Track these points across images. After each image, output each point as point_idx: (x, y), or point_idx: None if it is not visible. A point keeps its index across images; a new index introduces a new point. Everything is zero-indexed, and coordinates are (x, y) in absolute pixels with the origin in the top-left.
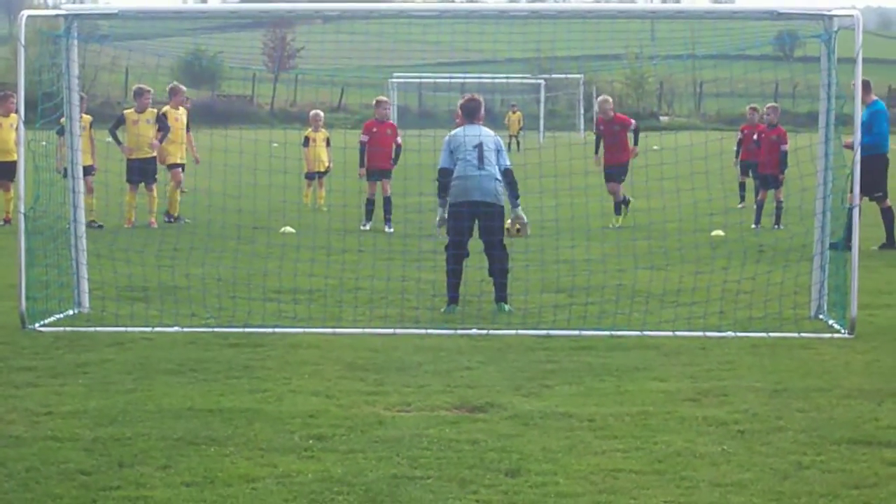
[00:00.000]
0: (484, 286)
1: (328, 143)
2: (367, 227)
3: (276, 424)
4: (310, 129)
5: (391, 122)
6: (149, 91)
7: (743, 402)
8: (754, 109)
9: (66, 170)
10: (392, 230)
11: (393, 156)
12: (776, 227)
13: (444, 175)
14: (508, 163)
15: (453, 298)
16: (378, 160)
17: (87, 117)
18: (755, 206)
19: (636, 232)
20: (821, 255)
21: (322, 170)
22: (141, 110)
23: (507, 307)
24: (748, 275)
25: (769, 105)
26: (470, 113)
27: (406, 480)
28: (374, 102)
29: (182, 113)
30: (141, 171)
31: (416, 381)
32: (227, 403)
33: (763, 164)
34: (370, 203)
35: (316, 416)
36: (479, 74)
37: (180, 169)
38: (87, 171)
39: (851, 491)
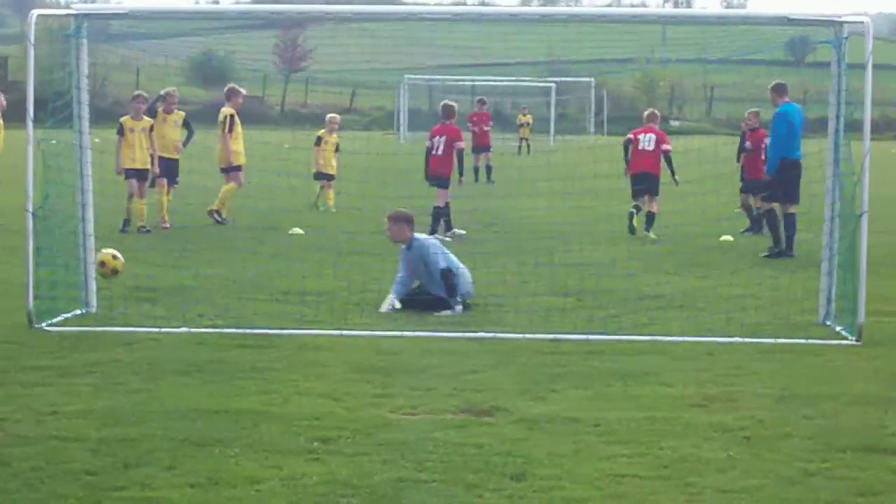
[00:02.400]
0: (492, 290)
1: (337, 149)
2: (453, 235)
3: (283, 426)
4: (324, 131)
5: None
6: (175, 93)
7: (750, 407)
8: (755, 114)
9: (124, 170)
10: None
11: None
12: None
13: None
14: None
15: None
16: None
17: (149, 120)
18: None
19: (645, 236)
20: (829, 261)
21: (331, 172)
22: (169, 111)
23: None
24: (756, 280)
25: (750, 111)
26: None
27: (411, 484)
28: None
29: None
30: (168, 171)
31: (423, 384)
32: (233, 405)
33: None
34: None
35: (322, 418)
36: (491, 77)
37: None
38: (143, 175)
39: (857, 498)
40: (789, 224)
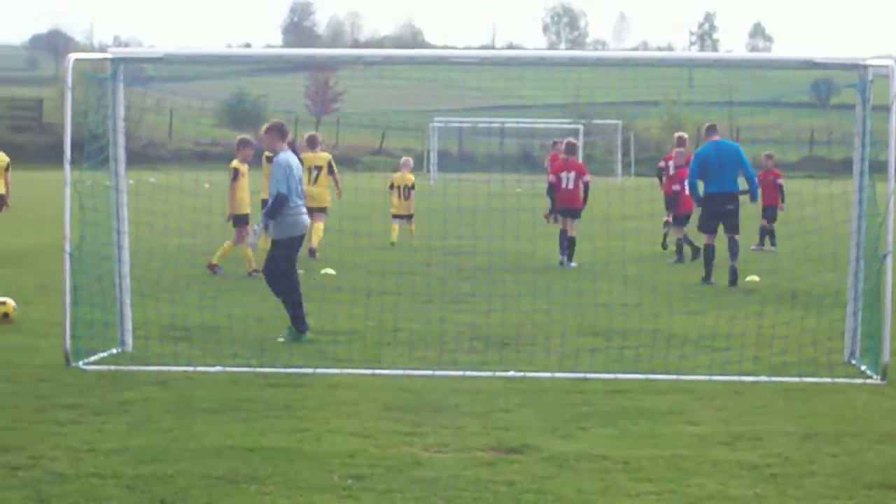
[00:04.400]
0: (521, 329)
1: (412, 188)
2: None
3: (315, 464)
4: (398, 174)
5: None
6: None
7: (775, 445)
8: (769, 156)
9: (233, 217)
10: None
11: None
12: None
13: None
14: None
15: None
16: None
17: (245, 165)
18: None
19: (672, 276)
20: (854, 301)
21: (410, 213)
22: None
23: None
24: (782, 320)
25: (765, 153)
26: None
27: None
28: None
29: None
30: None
31: (454, 422)
32: (266, 442)
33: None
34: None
35: (354, 455)
36: (519, 119)
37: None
38: (244, 219)
39: None
40: (707, 253)
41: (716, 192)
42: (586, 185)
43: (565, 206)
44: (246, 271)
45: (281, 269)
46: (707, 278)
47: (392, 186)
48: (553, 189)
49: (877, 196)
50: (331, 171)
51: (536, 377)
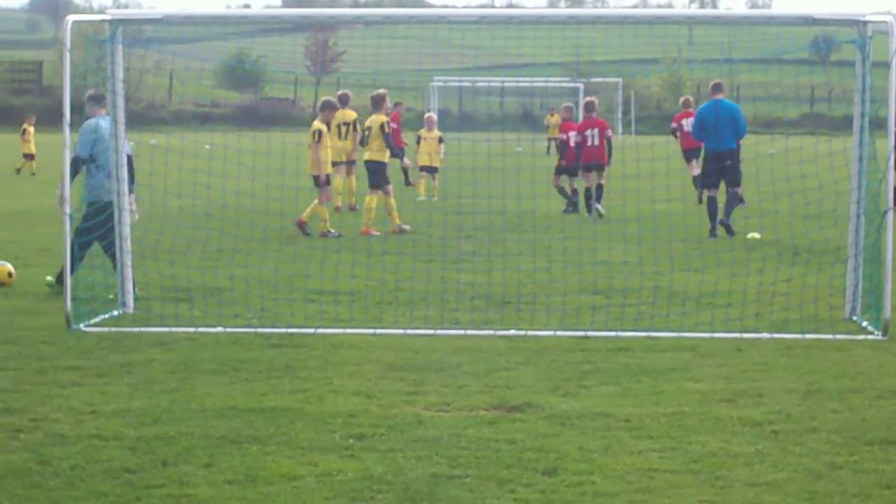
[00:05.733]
0: (522, 288)
1: (440, 141)
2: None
3: (318, 424)
4: (423, 130)
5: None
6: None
7: (777, 402)
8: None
9: (315, 177)
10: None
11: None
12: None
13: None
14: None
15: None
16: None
17: (325, 126)
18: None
19: (673, 234)
20: (854, 257)
21: (436, 164)
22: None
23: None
24: (783, 277)
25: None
26: None
27: (445, 479)
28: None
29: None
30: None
31: (455, 381)
32: (269, 403)
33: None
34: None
35: (356, 415)
36: (519, 78)
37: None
38: (326, 180)
39: (884, 491)
40: (710, 207)
41: (713, 149)
42: (609, 140)
43: (592, 161)
44: (319, 231)
45: (82, 228)
46: (713, 231)
47: (419, 140)
48: (578, 147)
49: (877, 153)
50: (355, 128)
51: (538, 336)
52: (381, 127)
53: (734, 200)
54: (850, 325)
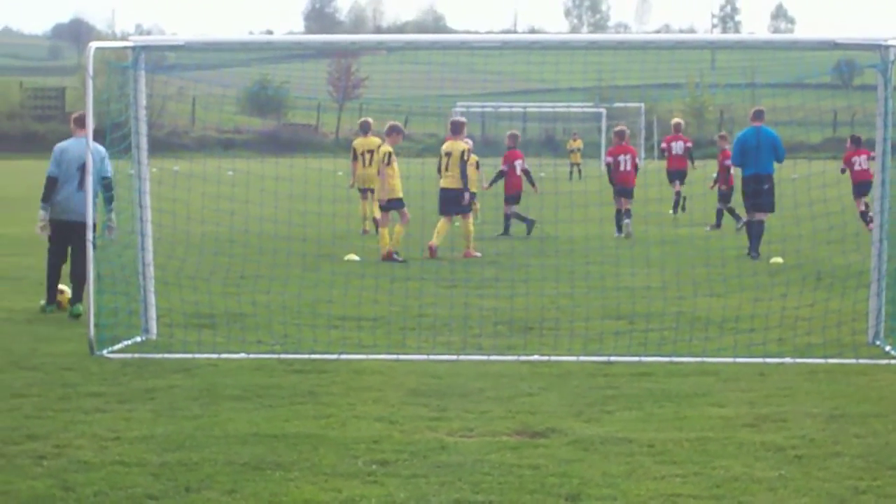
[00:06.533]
0: (545, 313)
1: (477, 166)
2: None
3: (340, 450)
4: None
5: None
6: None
7: (800, 427)
8: (723, 137)
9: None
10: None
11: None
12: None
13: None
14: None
15: (51, 298)
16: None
17: (388, 148)
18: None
19: (695, 259)
20: (878, 282)
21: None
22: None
23: (80, 307)
24: (806, 301)
25: (719, 133)
26: None
27: None
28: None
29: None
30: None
31: (478, 406)
32: (291, 429)
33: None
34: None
35: (379, 441)
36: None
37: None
38: (399, 203)
39: None
40: (755, 229)
41: (752, 174)
42: (635, 167)
43: (622, 185)
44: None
45: (51, 249)
46: (755, 252)
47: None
48: (609, 168)
49: None
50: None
51: (561, 361)
52: (462, 154)
53: (761, 227)
54: (873, 350)
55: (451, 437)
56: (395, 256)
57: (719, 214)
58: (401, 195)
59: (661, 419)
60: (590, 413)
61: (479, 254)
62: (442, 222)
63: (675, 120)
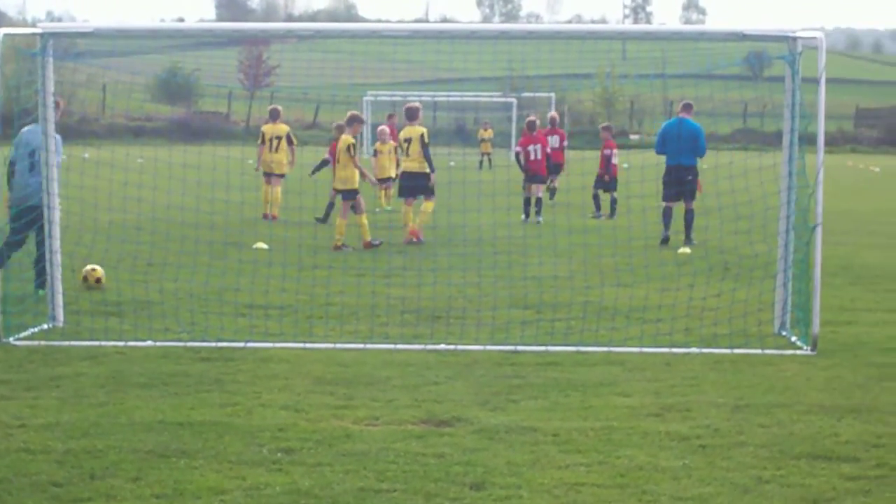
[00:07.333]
0: (452, 302)
1: (396, 152)
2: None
3: (246, 438)
4: (378, 143)
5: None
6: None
7: (705, 417)
8: (606, 128)
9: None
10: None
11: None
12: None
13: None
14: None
15: None
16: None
17: (350, 139)
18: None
19: (603, 249)
20: (784, 272)
21: (390, 176)
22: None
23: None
24: (713, 292)
25: (602, 125)
26: None
27: (372, 493)
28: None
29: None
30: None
31: (385, 395)
32: (197, 417)
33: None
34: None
35: (285, 429)
36: (451, 92)
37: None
38: (354, 193)
39: None
40: (669, 217)
41: (673, 165)
42: (548, 156)
43: (534, 173)
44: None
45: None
46: (665, 240)
47: (375, 154)
48: (518, 157)
49: (806, 168)
50: (289, 141)
51: (467, 350)
52: (422, 138)
53: (691, 216)
54: (779, 340)
55: (357, 426)
56: (375, 241)
57: (596, 199)
58: (357, 186)
59: (567, 408)
60: (495, 402)
61: (422, 239)
62: (406, 207)
63: (551, 114)
